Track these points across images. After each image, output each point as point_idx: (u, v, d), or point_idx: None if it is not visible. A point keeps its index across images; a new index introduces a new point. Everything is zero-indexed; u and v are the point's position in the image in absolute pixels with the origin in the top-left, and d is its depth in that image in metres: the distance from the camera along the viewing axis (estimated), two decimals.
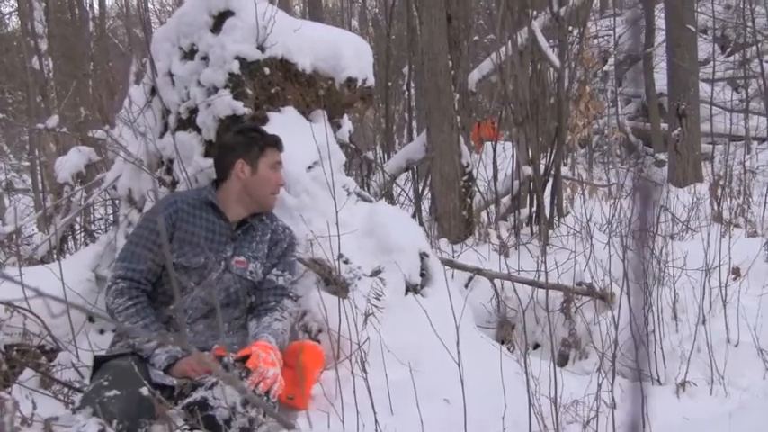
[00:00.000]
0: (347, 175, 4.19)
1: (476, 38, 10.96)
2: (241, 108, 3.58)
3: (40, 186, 8.60)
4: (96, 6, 16.48)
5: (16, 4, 13.89)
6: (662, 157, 12.93)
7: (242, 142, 3.23)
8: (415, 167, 7.37)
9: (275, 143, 3.27)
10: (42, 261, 4.53)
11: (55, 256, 4.42)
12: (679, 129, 10.87)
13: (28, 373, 3.55)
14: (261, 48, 3.65)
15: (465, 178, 6.39)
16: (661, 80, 13.62)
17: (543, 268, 3.48)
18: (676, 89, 11.12)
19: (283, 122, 3.67)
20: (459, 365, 2.42)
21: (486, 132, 9.71)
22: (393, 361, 3.04)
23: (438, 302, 3.20)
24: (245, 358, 2.82)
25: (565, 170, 7.26)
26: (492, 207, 6.70)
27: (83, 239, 4.89)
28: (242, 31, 3.62)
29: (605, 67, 16.01)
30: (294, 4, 20.13)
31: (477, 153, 7.87)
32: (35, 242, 5.02)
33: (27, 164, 13.77)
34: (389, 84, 9.91)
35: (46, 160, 8.22)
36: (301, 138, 3.53)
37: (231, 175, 3.22)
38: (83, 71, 10.90)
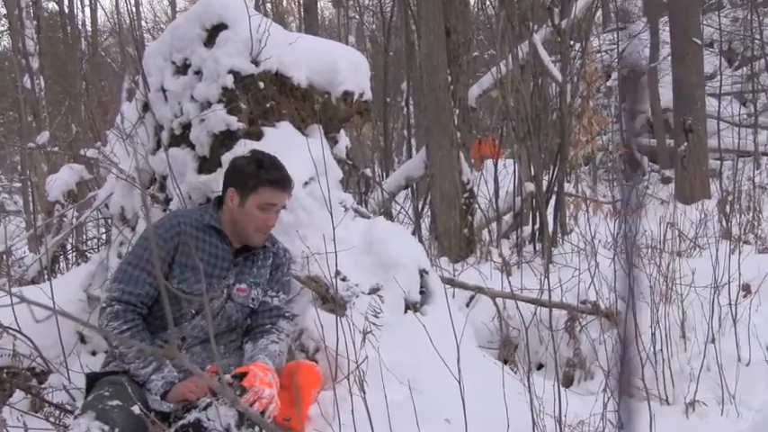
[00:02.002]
0: (345, 191, 4.19)
1: (476, 53, 10.99)
2: (235, 123, 3.58)
3: (31, 207, 8.61)
4: (89, 24, 16.60)
5: (7, 23, 13.97)
6: (668, 173, 12.95)
7: (241, 171, 3.15)
8: (414, 185, 7.38)
9: (272, 183, 3.13)
10: (33, 282, 4.53)
11: (46, 277, 4.42)
12: (686, 144, 10.88)
13: (18, 395, 3.55)
14: (255, 61, 3.66)
15: (466, 195, 6.41)
16: (666, 95, 13.65)
17: (546, 286, 3.48)
18: (682, 104, 11.14)
19: (279, 137, 3.68)
20: (460, 383, 2.41)
21: (487, 150, 9.71)
22: (392, 380, 3.04)
23: (438, 320, 3.20)
24: (241, 376, 2.83)
25: (568, 187, 7.26)
26: (494, 224, 6.71)
27: (74, 259, 4.89)
28: (236, 45, 3.63)
29: (609, 82, 16.06)
30: (290, 21, 20.23)
31: (477, 171, 7.88)
32: (26, 263, 5.02)
33: (19, 185, 13.80)
34: (387, 100, 9.95)
35: (37, 180, 8.23)
36: (297, 153, 3.54)
37: (225, 199, 3.19)
38: (75, 90, 10.95)
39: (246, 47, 3.65)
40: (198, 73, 3.72)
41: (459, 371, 2.40)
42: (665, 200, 10.13)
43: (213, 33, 3.71)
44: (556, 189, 6.34)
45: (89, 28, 16.76)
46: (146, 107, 3.99)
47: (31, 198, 9.09)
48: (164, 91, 3.85)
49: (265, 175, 3.12)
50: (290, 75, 3.78)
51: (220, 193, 3.26)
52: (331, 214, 3.14)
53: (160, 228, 3.10)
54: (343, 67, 3.92)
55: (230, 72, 3.61)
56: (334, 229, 3.13)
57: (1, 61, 19.10)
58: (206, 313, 3.06)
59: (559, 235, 6.33)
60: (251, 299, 3.17)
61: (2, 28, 19.81)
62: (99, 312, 3.04)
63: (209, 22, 3.70)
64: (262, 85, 3.69)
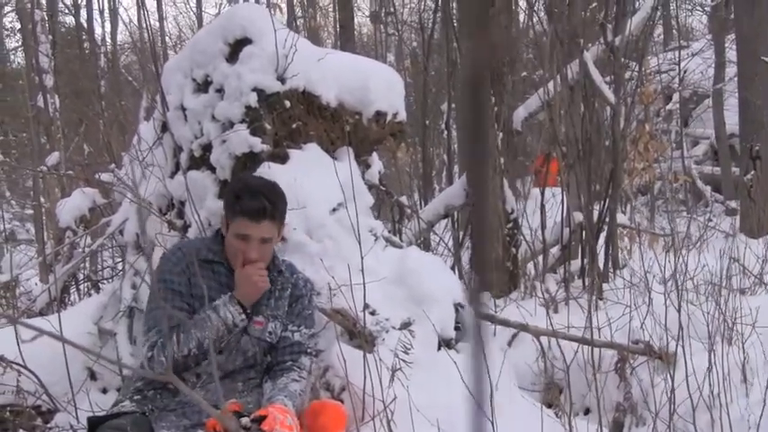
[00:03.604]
0: (377, 219, 4.22)
1: (525, 74, 11.00)
2: (259, 144, 3.62)
3: (45, 236, 8.73)
4: (108, 40, 16.88)
5: (22, 39, 14.25)
6: (733, 204, 12.83)
7: (226, 199, 3.19)
8: (454, 214, 7.38)
9: (244, 214, 3.08)
10: (41, 314, 4.59)
11: (55, 308, 4.48)
12: (753, 173, 10.78)
13: None
14: (281, 78, 3.70)
15: (509, 226, 6.40)
16: (732, 119, 13.55)
17: (591, 324, 3.47)
18: (749, 129, 11.06)
19: (305, 160, 3.72)
20: (493, 424, 2.42)
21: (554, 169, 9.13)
22: (422, 422, 3.04)
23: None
24: (261, 419, 2.85)
25: (621, 217, 7.22)
26: (540, 258, 6.68)
27: (86, 290, 4.96)
28: (260, 61, 3.67)
29: (669, 106, 15.98)
30: (325, 38, 20.43)
31: (538, 187, 7.66)
32: (35, 294, 5.10)
33: (31, 212, 14.00)
34: (427, 123, 9.98)
35: (50, 206, 8.36)
36: (325, 177, 3.57)
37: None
38: (92, 110, 11.13)
39: (272, 63, 3.69)
40: (220, 91, 3.77)
41: (493, 410, 2.40)
42: (730, 233, 10.03)
43: (236, 48, 3.76)
44: (608, 220, 6.31)
45: (109, 43, 17.04)
46: (164, 127, 4.06)
47: (44, 225, 9.22)
48: (183, 110, 3.91)
49: (238, 204, 3.09)
50: (318, 93, 3.82)
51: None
52: (359, 242, 3.16)
53: (168, 263, 3.14)
54: (376, 85, 3.96)
55: (254, 90, 3.65)
56: (362, 258, 3.15)
57: (15, 79, 19.45)
58: (223, 348, 3.10)
59: (611, 270, 6.29)
60: (268, 332, 3.19)
61: (16, 44, 20.25)
62: (146, 367, 3.05)
63: (233, 35, 3.75)
64: (288, 103, 3.73)
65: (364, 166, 4.21)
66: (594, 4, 6.67)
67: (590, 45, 6.90)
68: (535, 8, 8.10)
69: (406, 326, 3.48)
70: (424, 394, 3.19)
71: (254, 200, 3.09)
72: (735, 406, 3.82)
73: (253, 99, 3.64)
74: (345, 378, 3.21)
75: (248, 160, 3.64)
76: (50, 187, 9.75)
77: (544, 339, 4.64)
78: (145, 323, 3.17)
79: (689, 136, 16.57)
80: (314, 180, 3.48)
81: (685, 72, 15.44)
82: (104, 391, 3.98)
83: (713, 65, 15.16)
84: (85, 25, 16.91)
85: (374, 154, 4.29)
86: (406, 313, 3.52)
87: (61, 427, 3.64)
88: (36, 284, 6.80)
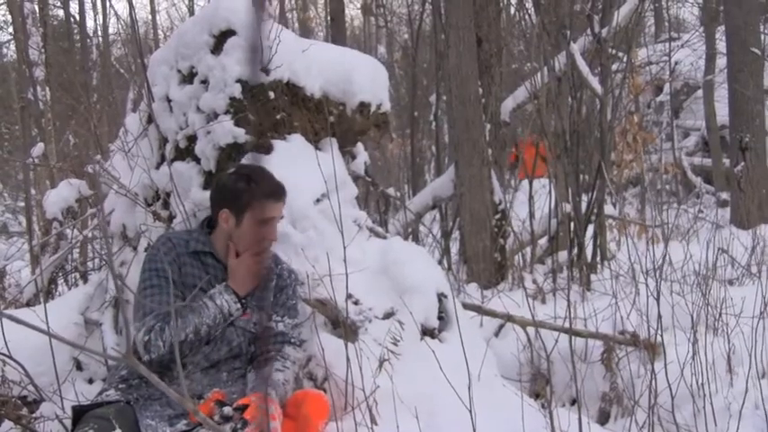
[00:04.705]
0: (363, 210, 4.22)
1: (515, 66, 11.01)
2: (243, 135, 3.62)
3: (35, 226, 8.72)
4: (99, 32, 16.85)
5: (13, 31, 14.22)
6: (725, 196, 12.86)
7: (230, 190, 3.17)
8: (443, 205, 7.40)
9: (267, 196, 3.17)
10: (28, 304, 4.59)
11: (41, 299, 4.48)
12: (743, 164, 10.79)
13: (6, 425, 3.59)
14: (265, 70, 3.70)
15: (497, 217, 6.42)
16: (723, 110, 13.56)
17: (577, 314, 3.47)
18: (739, 120, 11.05)
19: (289, 151, 3.72)
20: (471, 413, 2.43)
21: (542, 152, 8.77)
22: (405, 411, 3.05)
23: (457, 348, 3.21)
24: (243, 408, 2.86)
25: (610, 209, 7.23)
26: (528, 249, 6.70)
27: (73, 280, 4.95)
28: (244, 52, 3.68)
29: (660, 97, 16.00)
30: (317, 30, 20.43)
31: (528, 176, 7.59)
32: (22, 284, 5.09)
33: (23, 204, 13.99)
34: (416, 114, 9.99)
35: (40, 197, 8.35)
36: (309, 168, 3.57)
37: (218, 221, 3.22)
38: (82, 103, 11.11)
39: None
40: (204, 82, 3.76)
41: (471, 400, 2.41)
42: (720, 224, 10.04)
43: (221, 40, 3.75)
44: (596, 211, 6.33)
45: (100, 36, 17.03)
46: (150, 119, 4.06)
47: (35, 216, 9.20)
48: (169, 101, 3.90)
49: (258, 189, 3.15)
50: (302, 84, 3.82)
51: (209, 215, 3.31)
52: (341, 232, 3.17)
53: (157, 253, 3.15)
54: (360, 76, 3.97)
55: (238, 81, 3.65)
56: (345, 248, 3.16)
57: (7, 71, 19.41)
58: (209, 339, 3.11)
59: (598, 261, 6.31)
60: (253, 323, 3.20)
61: (10, 36, 20.20)
62: (142, 351, 3.03)
63: (217, 27, 3.75)
64: (272, 95, 3.73)
65: (349, 156, 4.21)
66: None
67: (576, 36, 6.91)
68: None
69: (389, 316, 3.49)
70: (407, 384, 3.19)
71: (271, 181, 3.19)
72: (719, 396, 3.83)
73: (237, 90, 3.64)
74: (327, 368, 3.22)
75: (233, 151, 3.64)
76: (41, 179, 9.74)
77: (531, 330, 4.66)
78: (138, 309, 3.14)
79: (680, 127, 16.60)
80: (298, 171, 3.48)
81: (676, 63, 15.44)
82: (90, 381, 3.99)
83: (704, 56, 15.17)
84: (78, 18, 16.89)
85: (359, 145, 4.29)
86: (389, 303, 3.52)
87: (47, 417, 3.64)
88: (27, 275, 6.80)
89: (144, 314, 3.07)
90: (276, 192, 3.19)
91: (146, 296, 3.11)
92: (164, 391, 1.25)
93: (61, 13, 19.37)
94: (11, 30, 17.97)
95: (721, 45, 14.04)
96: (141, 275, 3.22)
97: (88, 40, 15.05)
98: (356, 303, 3.42)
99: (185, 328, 3.01)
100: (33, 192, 10.06)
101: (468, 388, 2.40)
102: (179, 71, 3.89)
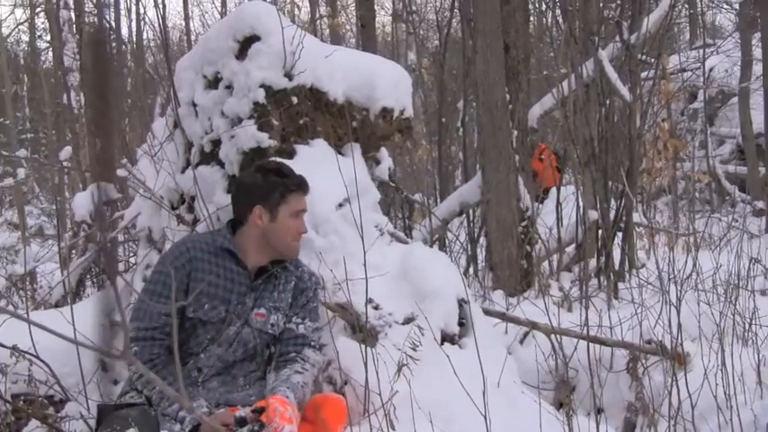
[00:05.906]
0: (387, 216, 4.23)
1: (546, 72, 10.98)
2: (266, 140, 3.65)
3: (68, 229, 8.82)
4: (131, 38, 17.01)
5: (50, 38, 14.40)
6: (761, 205, 12.71)
7: (262, 186, 3.20)
8: (470, 211, 7.38)
9: (299, 187, 3.25)
10: (57, 305, 4.65)
11: (69, 300, 4.54)
12: None
13: (33, 424, 3.64)
14: (288, 75, 3.74)
15: (524, 223, 6.40)
16: (759, 117, 13.41)
17: (601, 322, 3.45)
18: None
19: (312, 156, 3.74)
20: (486, 419, 2.43)
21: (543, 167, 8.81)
22: (423, 418, 3.05)
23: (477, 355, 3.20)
24: (261, 410, 2.87)
25: (639, 217, 7.18)
26: (555, 256, 6.67)
27: (101, 282, 5.01)
28: (268, 57, 3.70)
29: (694, 104, 15.85)
30: (349, 37, 20.48)
31: (540, 186, 7.60)
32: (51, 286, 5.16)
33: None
34: (444, 120, 9.99)
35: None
36: (331, 173, 3.57)
37: (249, 220, 3.22)
38: (117, 109, 11.23)
39: (279, 60, 3.72)
40: (229, 87, 3.81)
41: (486, 406, 2.41)
42: (756, 234, 9.93)
43: (245, 45, 3.79)
44: (624, 219, 6.29)
45: (134, 43, 17.19)
46: (176, 123, 4.10)
47: (68, 221, 9.32)
48: (194, 106, 3.95)
49: (289, 181, 3.22)
50: (325, 90, 3.85)
51: (232, 217, 3.34)
52: (362, 237, 3.18)
53: (169, 256, 3.19)
54: (383, 82, 3.99)
55: (262, 86, 3.69)
56: (365, 252, 3.17)
57: (46, 78, 19.66)
58: (222, 341, 3.13)
59: (627, 269, 6.26)
60: (270, 324, 3.21)
61: (47, 44, 20.45)
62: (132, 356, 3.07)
63: (242, 33, 3.78)
64: (295, 100, 3.76)
65: (374, 162, 4.23)
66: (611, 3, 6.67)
67: (605, 43, 6.88)
68: (551, 6, 8.09)
69: (409, 321, 3.49)
70: (426, 389, 3.19)
71: (295, 174, 3.26)
72: (747, 409, 3.77)
73: (260, 95, 3.68)
74: (345, 372, 3.23)
75: (256, 156, 3.67)
76: (74, 183, 9.84)
77: (556, 338, 4.63)
78: (133, 311, 3.17)
79: (714, 135, 16.41)
80: (320, 175, 3.50)
81: (711, 70, 15.28)
82: (115, 382, 4.01)
83: (739, 63, 15.00)
84: (114, 24, 17.06)
85: (383, 150, 4.30)
86: (409, 308, 3.53)
87: (72, 417, 3.69)
88: (58, 277, 6.89)
89: (132, 318, 3.08)
90: (304, 183, 3.27)
91: (142, 300, 3.15)
92: (162, 389, 1.26)
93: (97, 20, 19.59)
94: (48, 38, 18.25)
95: (758, 52, 13.88)
96: (149, 276, 3.28)
97: (123, 47, 15.22)
98: (376, 308, 3.43)
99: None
100: (68, 195, 10.19)
101: (483, 394, 2.39)
102: (204, 76, 3.94)
